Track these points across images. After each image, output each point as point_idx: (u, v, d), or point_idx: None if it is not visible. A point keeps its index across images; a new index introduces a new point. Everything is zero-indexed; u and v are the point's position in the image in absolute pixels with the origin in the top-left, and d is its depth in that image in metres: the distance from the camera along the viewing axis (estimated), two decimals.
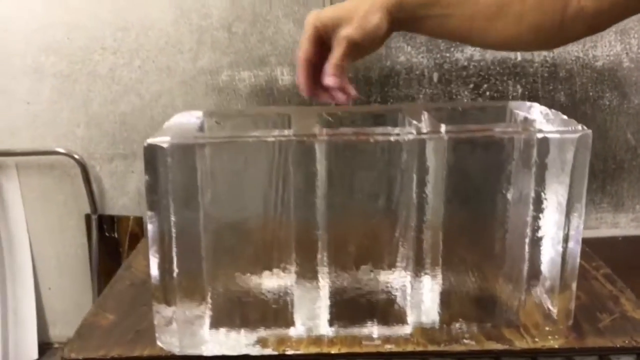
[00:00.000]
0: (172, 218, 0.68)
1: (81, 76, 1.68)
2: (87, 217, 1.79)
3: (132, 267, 0.89)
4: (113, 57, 1.68)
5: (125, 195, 1.79)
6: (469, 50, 1.67)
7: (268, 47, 1.67)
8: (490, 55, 1.67)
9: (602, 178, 1.79)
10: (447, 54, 1.67)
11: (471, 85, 1.69)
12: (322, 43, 0.81)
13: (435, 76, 1.70)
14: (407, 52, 1.68)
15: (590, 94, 1.73)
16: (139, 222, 1.77)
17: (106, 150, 1.75)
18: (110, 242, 1.81)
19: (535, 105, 0.77)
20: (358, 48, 0.77)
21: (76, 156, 1.72)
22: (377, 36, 0.78)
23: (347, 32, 0.75)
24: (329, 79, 0.76)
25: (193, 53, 1.67)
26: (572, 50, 1.70)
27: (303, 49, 0.82)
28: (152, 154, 0.63)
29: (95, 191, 1.77)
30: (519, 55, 1.69)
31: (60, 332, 1.88)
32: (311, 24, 0.82)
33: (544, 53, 1.70)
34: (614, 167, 1.79)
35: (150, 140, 0.62)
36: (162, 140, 0.63)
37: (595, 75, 1.72)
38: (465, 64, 1.68)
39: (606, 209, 1.81)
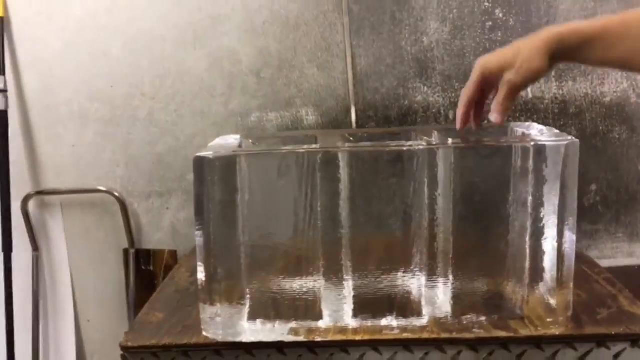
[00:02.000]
0: (216, 226, 0.78)
1: (122, 120, 1.82)
2: (125, 252, 1.89)
3: (176, 278, 0.99)
4: (151, 102, 1.81)
5: (160, 230, 1.89)
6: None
7: (294, 90, 1.80)
8: None
9: (615, 209, 1.86)
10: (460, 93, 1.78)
11: (485, 122, 1.80)
12: (484, 85, 0.93)
13: (451, 114, 1.80)
14: (424, 92, 1.79)
15: (600, 128, 1.82)
16: (173, 255, 1.87)
17: (144, 189, 1.86)
18: (146, 275, 1.90)
19: (534, 124, 0.87)
20: (519, 89, 0.87)
21: (116, 194, 1.84)
22: (539, 77, 0.85)
23: (510, 77, 0.85)
24: (495, 117, 0.86)
25: (225, 97, 1.81)
26: (581, 88, 1.80)
27: (469, 90, 0.92)
28: (199, 166, 0.74)
29: (133, 227, 1.88)
30: (529, 93, 1.80)
31: None
32: (479, 70, 0.92)
33: (554, 91, 1.80)
34: (627, 199, 1.85)
35: (198, 154, 0.73)
36: (208, 153, 0.74)
37: (604, 110, 1.81)
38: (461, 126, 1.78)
39: (622, 239, 1.87)
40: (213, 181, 0.74)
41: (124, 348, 0.78)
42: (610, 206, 1.85)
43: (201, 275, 0.77)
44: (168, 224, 1.89)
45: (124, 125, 1.82)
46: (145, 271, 1.91)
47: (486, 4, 1.75)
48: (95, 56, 1.78)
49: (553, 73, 1.78)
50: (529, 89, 1.79)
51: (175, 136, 1.82)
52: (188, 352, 0.77)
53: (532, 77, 0.84)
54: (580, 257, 0.99)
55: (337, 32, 1.77)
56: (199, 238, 0.77)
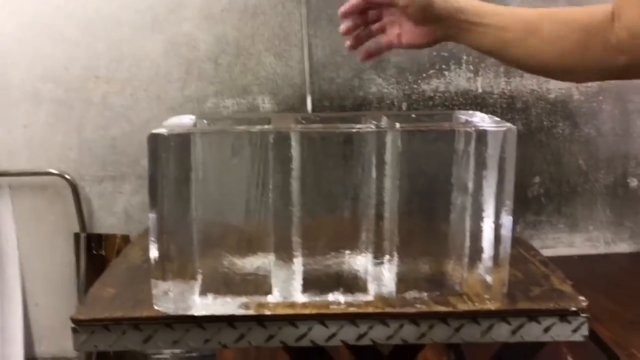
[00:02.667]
0: (169, 203, 0.80)
1: (76, 103, 1.80)
2: (76, 236, 1.87)
3: (128, 256, 1.01)
4: (106, 86, 1.80)
5: (113, 215, 1.89)
6: (435, 82, 1.83)
7: (250, 78, 1.82)
8: (453, 87, 1.84)
9: (557, 201, 1.94)
10: (415, 86, 1.84)
11: None
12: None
13: (404, 105, 1.85)
14: (379, 83, 1.84)
15: (545, 123, 1.90)
16: (126, 239, 1.86)
17: (96, 172, 1.85)
18: (98, 260, 1.89)
19: (477, 113, 0.91)
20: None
21: (68, 177, 1.82)
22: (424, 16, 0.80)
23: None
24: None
25: (181, 82, 1.81)
26: (528, 84, 1.88)
27: None
28: (154, 143, 0.76)
29: (85, 211, 1.86)
30: (479, 88, 1.86)
31: (46, 348, 1.94)
32: None
33: (502, 86, 1.87)
34: (568, 191, 1.94)
35: (153, 131, 0.75)
36: (163, 130, 0.76)
37: (549, 106, 1.89)
38: (432, 94, 1.84)
39: (562, 230, 1.96)
40: (167, 159, 0.76)
41: (75, 321, 0.80)
42: (552, 198, 1.94)
43: (153, 251, 0.79)
44: (121, 209, 1.88)
45: (77, 108, 1.81)
46: (97, 256, 1.90)
47: None
48: (50, 37, 1.76)
49: (502, 69, 1.84)
50: (478, 84, 1.85)
51: (130, 120, 1.82)
52: (139, 325, 0.79)
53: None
54: (518, 241, 1.05)
55: (295, 21, 1.79)
56: (151, 215, 0.78)
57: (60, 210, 1.87)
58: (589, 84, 1.88)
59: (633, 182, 1.94)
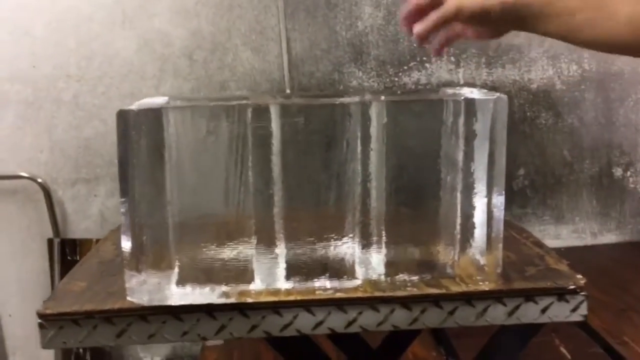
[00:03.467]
0: (142, 189, 0.74)
1: (46, 103, 1.74)
2: (50, 241, 1.81)
3: (100, 250, 0.95)
4: (77, 84, 1.74)
5: (87, 218, 1.82)
6: (416, 75, 1.80)
7: (227, 74, 1.77)
8: (435, 79, 1.81)
9: (542, 192, 1.92)
10: (396, 78, 1.80)
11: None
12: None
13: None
14: (359, 76, 1.80)
15: (528, 114, 1.88)
16: None
17: (69, 175, 1.79)
18: (72, 266, 1.82)
19: (465, 86, 0.87)
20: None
21: (39, 180, 1.76)
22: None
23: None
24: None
25: (156, 80, 1.76)
26: (509, 74, 1.86)
27: None
28: (123, 121, 0.70)
29: (58, 215, 1.80)
30: (461, 79, 1.83)
31: (20, 359, 1.86)
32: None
33: (484, 77, 1.85)
34: (553, 182, 1.92)
35: (122, 108, 0.70)
36: (132, 107, 0.70)
37: (531, 97, 1.87)
38: (412, 87, 1.81)
39: (548, 222, 1.94)
40: (138, 138, 0.71)
41: (41, 316, 0.74)
42: (537, 190, 1.92)
43: (126, 242, 0.74)
44: (96, 212, 1.82)
45: (47, 108, 1.74)
46: (72, 262, 1.83)
47: None
48: (16, 35, 1.69)
49: (483, 59, 1.82)
50: (460, 75, 1.82)
51: (103, 120, 1.76)
52: (111, 318, 0.73)
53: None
54: (509, 224, 1.01)
55: (272, 15, 1.75)
56: (123, 200, 0.73)
57: (32, 215, 1.80)
58: (570, 72, 1.87)
59: (618, 172, 1.92)
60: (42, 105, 1.74)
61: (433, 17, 0.76)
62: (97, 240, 1.79)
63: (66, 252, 1.82)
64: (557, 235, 1.95)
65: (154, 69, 1.75)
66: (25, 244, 1.81)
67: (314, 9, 1.76)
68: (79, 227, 1.83)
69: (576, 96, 1.88)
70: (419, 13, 0.79)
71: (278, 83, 1.78)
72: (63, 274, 1.80)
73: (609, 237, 1.97)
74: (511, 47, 1.83)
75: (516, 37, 1.81)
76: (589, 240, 1.97)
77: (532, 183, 1.91)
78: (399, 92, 0.89)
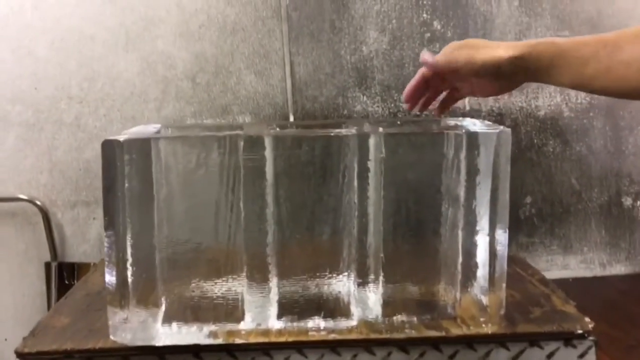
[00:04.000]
0: (128, 221, 0.71)
1: (47, 124, 1.72)
2: (47, 265, 1.78)
3: (89, 282, 0.92)
4: (79, 106, 1.73)
5: (86, 242, 1.79)
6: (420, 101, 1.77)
7: (230, 97, 1.75)
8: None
9: (550, 222, 1.88)
10: (400, 103, 1.77)
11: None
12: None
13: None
14: (363, 101, 1.77)
15: (535, 141, 1.84)
16: None
17: (69, 197, 1.77)
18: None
19: (467, 118, 0.84)
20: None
21: (38, 203, 1.74)
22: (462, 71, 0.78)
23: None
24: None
25: (158, 102, 1.74)
26: (516, 101, 1.82)
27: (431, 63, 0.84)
28: (109, 152, 0.67)
29: (56, 238, 1.77)
30: (467, 105, 1.80)
31: None
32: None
33: (490, 103, 1.82)
34: (561, 211, 1.87)
35: (108, 137, 0.67)
36: (119, 137, 0.68)
37: (539, 124, 1.84)
38: (417, 112, 1.78)
39: (556, 251, 1.89)
40: (124, 169, 0.68)
41: (19, 355, 0.70)
42: (545, 219, 1.87)
43: (110, 276, 0.70)
44: (95, 236, 1.79)
45: (48, 129, 1.73)
46: (69, 286, 1.79)
47: (424, 15, 1.76)
48: (18, 55, 1.68)
49: None
50: (466, 101, 1.80)
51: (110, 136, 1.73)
52: (92, 358, 0.70)
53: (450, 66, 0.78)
54: (514, 260, 0.97)
55: (276, 38, 1.74)
56: (109, 233, 0.70)
57: (30, 238, 1.77)
58: (578, 99, 1.83)
59: (627, 201, 1.88)
60: (43, 127, 1.73)
61: (442, 63, 0.76)
62: (95, 265, 1.76)
63: (64, 276, 1.79)
64: (565, 265, 1.90)
65: (156, 91, 1.73)
66: (22, 267, 1.78)
67: (318, 33, 1.75)
68: (77, 251, 1.80)
69: (584, 124, 1.84)
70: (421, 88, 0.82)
71: (281, 107, 1.76)
72: (60, 298, 1.78)
73: (618, 268, 1.92)
74: None
75: None
76: (597, 271, 1.92)
77: (539, 212, 1.87)
78: (398, 122, 0.86)
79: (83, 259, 1.79)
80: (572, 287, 1.98)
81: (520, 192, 1.83)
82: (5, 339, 1.83)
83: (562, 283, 1.85)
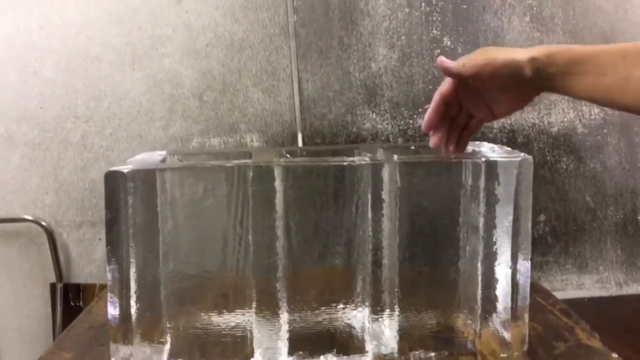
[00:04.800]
0: (132, 254, 0.68)
1: (52, 144, 1.71)
2: (52, 286, 1.75)
3: (93, 312, 0.89)
4: (85, 125, 1.71)
5: (92, 263, 1.77)
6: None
7: (238, 115, 1.73)
8: None
9: (564, 240, 1.83)
10: (410, 121, 1.75)
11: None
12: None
13: (400, 142, 1.76)
14: (372, 118, 1.75)
15: (548, 158, 1.80)
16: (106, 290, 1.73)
17: (74, 218, 1.74)
18: (76, 312, 1.75)
19: (484, 142, 0.81)
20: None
21: (43, 223, 1.72)
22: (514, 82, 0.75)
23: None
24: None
25: (165, 121, 1.72)
26: (529, 117, 1.79)
27: (444, 87, 0.81)
28: (112, 182, 0.65)
29: (62, 259, 1.75)
30: None
31: None
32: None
33: (502, 120, 1.79)
34: (576, 229, 1.83)
35: (111, 168, 0.64)
36: (123, 167, 0.65)
37: (552, 140, 1.80)
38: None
39: (571, 271, 1.84)
40: (129, 201, 0.65)
41: None
42: (559, 237, 1.83)
43: (113, 310, 0.67)
44: (100, 256, 1.76)
45: (54, 149, 1.71)
46: (75, 307, 1.77)
47: (434, 31, 1.73)
48: (24, 75, 1.67)
49: None
50: None
51: (110, 162, 1.71)
52: None
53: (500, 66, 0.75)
54: (533, 287, 0.93)
55: (284, 56, 1.71)
56: (112, 266, 0.67)
57: (35, 258, 1.75)
58: (592, 115, 1.80)
59: None
60: (49, 147, 1.71)
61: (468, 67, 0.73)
62: (101, 286, 1.74)
63: (69, 298, 1.77)
64: (581, 285, 1.85)
65: (163, 110, 1.71)
66: (27, 288, 1.76)
67: (326, 49, 1.72)
68: (83, 272, 1.77)
69: (598, 140, 1.81)
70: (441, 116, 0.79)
71: (289, 125, 1.73)
72: (65, 320, 1.75)
73: (635, 287, 1.87)
74: None
75: None
76: (614, 291, 1.87)
77: (553, 230, 1.83)
78: (412, 147, 0.83)
79: (89, 280, 1.76)
80: (588, 307, 1.94)
81: (534, 210, 1.78)
82: None
83: (577, 303, 1.82)
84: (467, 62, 0.77)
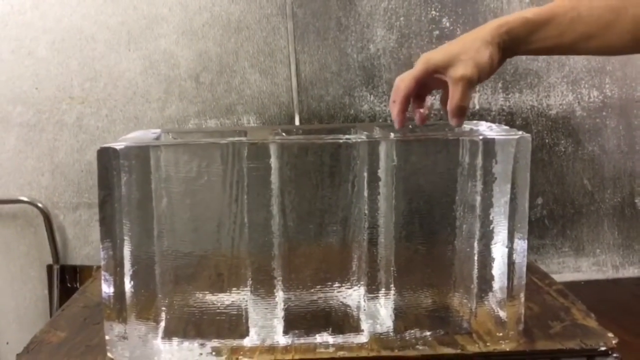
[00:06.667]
0: (126, 232, 0.68)
1: (48, 125, 1.69)
2: (49, 268, 1.75)
3: (87, 292, 0.88)
4: (80, 107, 1.69)
5: (88, 244, 1.76)
6: (429, 99, 1.73)
7: (235, 96, 1.71)
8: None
9: (562, 223, 1.83)
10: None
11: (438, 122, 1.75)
12: (425, 80, 0.85)
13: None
14: (370, 100, 1.73)
15: (547, 141, 1.80)
16: None
17: (71, 199, 1.74)
18: (72, 293, 1.75)
19: (482, 122, 0.80)
20: (473, 84, 0.79)
21: (40, 205, 1.71)
22: (491, 69, 0.80)
23: (462, 72, 0.77)
24: (455, 121, 0.78)
25: (161, 102, 1.70)
26: (527, 100, 1.78)
27: (407, 86, 0.83)
28: (105, 160, 0.64)
29: (58, 241, 1.74)
30: (477, 104, 1.76)
31: None
32: (423, 65, 0.83)
33: (500, 102, 1.78)
34: (573, 212, 1.83)
35: (104, 145, 0.63)
36: (116, 144, 0.64)
37: (550, 123, 1.79)
38: (426, 112, 1.74)
39: (567, 254, 1.85)
40: (122, 178, 0.64)
41: None
42: (556, 220, 1.83)
43: (107, 288, 0.67)
44: (97, 238, 1.73)
45: (49, 130, 1.69)
46: (72, 289, 1.77)
47: (433, 12, 1.72)
48: (19, 55, 1.65)
49: (500, 84, 1.76)
50: (475, 100, 1.75)
51: (106, 143, 1.70)
52: None
53: (485, 70, 0.78)
54: (530, 268, 0.93)
55: (281, 36, 1.70)
56: (105, 244, 0.66)
57: (31, 240, 1.75)
58: (591, 98, 1.79)
59: None
60: (45, 128, 1.70)
61: (460, 102, 0.77)
62: (97, 268, 1.73)
63: (66, 279, 1.76)
64: (577, 268, 1.85)
65: (159, 91, 1.70)
66: (24, 270, 1.76)
67: (324, 31, 1.71)
68: (80, 254, 1.77)
69: (597, 123, 1.80)
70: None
71: (286, 106, 1.72)
72: (62, 301, 1.74)
73: (632, 271, 1.87)
74: (529, 72, 1.76)
75: (534, 62, 1.74)
76: (610, 274, 1.87)
77: (550, 213, 1.83)
78: (410, 125, 0.82)
79: (85, 262, 1.76)
80: (585, 290, 1.94)
81: (531, 193, 1.77)
82: (7, 343, 1.80)
83: (574, 286, 1.81)
84: (429, 66, 0.81)
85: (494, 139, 0.67)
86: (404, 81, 0.84)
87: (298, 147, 0.67)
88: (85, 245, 1.76)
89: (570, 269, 1.85)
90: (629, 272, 1.86)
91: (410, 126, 0.84)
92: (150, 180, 0.65)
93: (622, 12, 0.73)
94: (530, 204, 1.74)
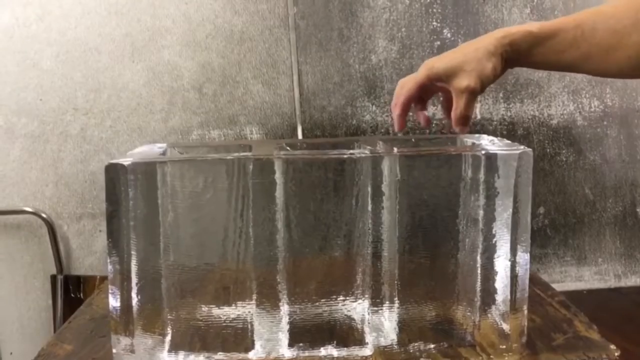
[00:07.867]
0: (133, 246, 0.69)
1: (52, 136, 1.71)
2: (53, 278, 1.76)
3: (94, 304, 0.89)
4: (85, 118, 1.71)
5: (92, 255, 1.77)
6: (431, 109, 1.74)
7: (237, 107, 1.72)
8: None
9: (563, 232, 1.84)
10: (411, 112, 1.74)
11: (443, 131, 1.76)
12: (426, 86, 0.86)
13: (400, 133, 1.76)
14: (372, 111, 1.75)
15: (548, 150, 1.80)
16: (106, 281, 1.74)
17: (74, 210, 1.75)
18: (76, 304, 1.76)
19: (484, 135, 0.81)
20: (477, 94, 0.81)
21: (44, 215, 1.72)
22: (494, 79, 0.82)
23: (467, 84, 0.79)
24: (460, 129, 0.80)
25: (164, 113, 1.72)
26: (528, 110, 1.79)
27: (409, 90, 0.85)
28: (113, 175, 0.65)
29: (62, 251, 1.75)
30: (478, 114, 1.77)
31: None
32: (425, 73, 0.85)
33: (502, 112, 1.79)
34: (575, 222, 1.84)
35: (112, 161, 0.64)
36: (124, 160, 0.65)
37: (551, 133, 1.80)
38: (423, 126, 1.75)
39: (570, 263, 1.85)
40: (129, 193, 0.65)
41: None
42: (558, 229, 1.84)
43: (114, 302, 0.68)
44: (101, 248, 1.77)
45: (54, 141, 1.71)
46: (75, 299, 1.78)
47: (434, 23, 1.73)
48: (23, 67, 1.67)
49: (501, 94, 1.77)
50: (477, 110, 1.76)
51: (110, 154, 1.71)
52: None
53: (488, 81, 0.79)
54: (532, 279, 0.93)
55: (283, 48, 1.71)
56: (112, 259, 0.67)
57: (35, 250, 1.76)
58: (592, 108, 1.80)
59: None
60: (49, 139, 1.71)
61: (465, 111, 0.79)
62: (101, 278, 1.74)
63: (70, 289, 1.77)
64: (579, 277, 1.86)
65: (162, 102, 1.71)
66: (28, 280, 1.77)
67: (326, 42, 1.72)
68: (83, 264, 1.78)
69: (598, 132, 1.81)
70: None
71: (289, 117, 1.73)
72: (66, 312, 1.75)
73: (634, 280, 1.88)
74: (530, 82, 1.77)
75: (535, 72, 1.75)
76: (612, 283, 1.88)
77: (552, 222, 1.83)
78: (412, 139, 0.83)
79: (89, 272, 1.77)
80: (587, 299, 1.94)
81: (533, 203, 1.79)
82: (11, 353, 1.81)
83: (576, 295, 1.82)
84: (431, 74, 0.82)
85: (496, 153, 0.68)
86: (406, 85, 0.85)
87: (302, 162, 0.67)
88: (88, 255, 1.77)
89: (572, 278, 1.85)
90: (631, 281, 1.87)
91: (412, 140, 0.85)
92: (156, 195, 0.66)
93: (625, 38, 0.74)
94: (532, 213, 1.76)
